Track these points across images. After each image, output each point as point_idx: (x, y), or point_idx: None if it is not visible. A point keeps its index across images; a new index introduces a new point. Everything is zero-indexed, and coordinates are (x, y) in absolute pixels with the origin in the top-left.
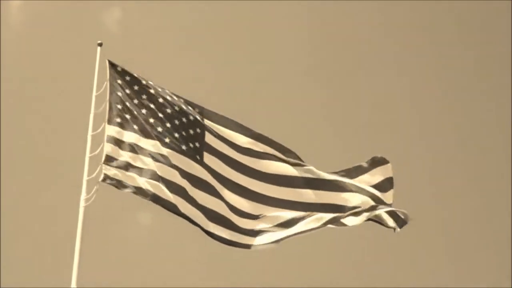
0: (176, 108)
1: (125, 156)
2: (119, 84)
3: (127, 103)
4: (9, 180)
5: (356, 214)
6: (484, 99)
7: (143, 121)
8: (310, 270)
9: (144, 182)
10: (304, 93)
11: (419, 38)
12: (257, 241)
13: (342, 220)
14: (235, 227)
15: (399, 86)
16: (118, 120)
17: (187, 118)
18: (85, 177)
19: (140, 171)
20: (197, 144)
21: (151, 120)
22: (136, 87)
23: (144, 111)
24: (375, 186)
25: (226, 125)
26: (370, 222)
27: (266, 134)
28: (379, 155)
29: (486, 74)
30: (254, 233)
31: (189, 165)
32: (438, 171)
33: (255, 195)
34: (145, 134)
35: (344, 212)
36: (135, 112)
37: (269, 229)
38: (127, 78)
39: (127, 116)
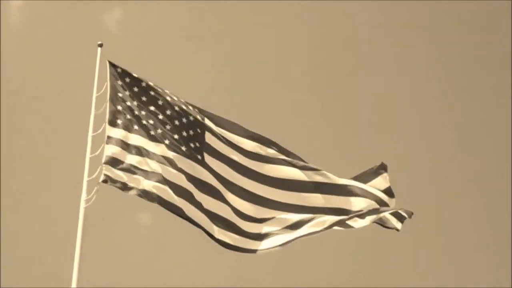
0: (176, 108)
1: (131, 158)
2: (119, 85)
3: (128, 104)
4: (9, 180)
5: (362, 216)
6: (484, 99)
7: (146, 123)
8: (310, 270)
9: (150, 185)
10: (304, 93)
11: (419, 38)
12: (263, 245)
13: (348, 222)
14: (240, 231)
15: (399, 86)
16: (121, 121)
17: (187, 119)
18: (86, 178)
19: (146, 174)
20: (197, 144)
21: (151, 122)
22: (136, 89)
23: (144, 112)
24: (385, 191)
25: (231, 129)
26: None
27: (266, 134)
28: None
29: (486, 74)
30: (260, 237)
31: (194, 168)
32: (438, 171)
33: (260, 199)
34: (151, 137)
35: (349, 215)
36: (136, 113)
37: (276, 232)
38: (127, 79)
39: (130, 118)
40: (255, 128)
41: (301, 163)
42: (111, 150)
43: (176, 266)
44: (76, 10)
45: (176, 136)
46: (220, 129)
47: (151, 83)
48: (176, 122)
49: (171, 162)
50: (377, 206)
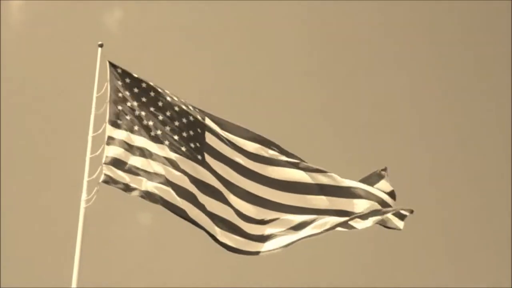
0: (176, 108)
1: (134, 160)
2: (120, 85)
3: (128, 104)
4: (10, 180)
5: (365, 217)
6: (484, 99)
7: (146, 123)
8: (310, 270)
9: (152, 187)
10: (304, 93)
11: (419, 38)
12: (266, 246)
13: (351, 223)
14: (243, 233)
15: (399, 86)
16: (122, 122)
17: (187, 119)
18: (86, 178)
19: (149, 175)
20: (197, 144)
21: (152, 123)
22: (136, 90)
23: (144, 113)
24: (389, 193)
25: (233, 131)
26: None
27: (266, 134)
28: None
29: (486, 74)
30: (263, 239)
31: (196, 169)
32: (438, 171)
33: (263, 201)
34: (152, 138)
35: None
36: (137, 114)
37: (278, 233)
38: (127, 80)
39: (131, 118)
40: (255, 128)
41: (305, 165)
42: (114, 151)
43: (176, 266)
44: (76, 10)
45: (176, 137)
46: (222, 130)
47: (151, 83)
48: (176, 123)
49: (173, 164)
50: (379, 207)
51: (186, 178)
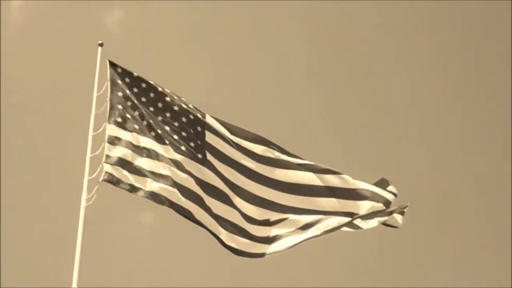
0: (176, 108)
1: (141, 161)
2: (120, 84)
3: (128, 104)
4: (9, 180)
5: (370, 217)
6: (484, 99)
7: (147, 123)
8: (310, 270)
9: (158, 188)
10: (304, 93)
11: (419, 38)
12: (271, 248)
13: (357, 223)
14: (249, 235)
15: (399, 86)
16: (123, 121)
17: (187, 118)
18: (86, 177)
19: (155, 176)
20: (198, 142)
21: (151, 122)
22: (136, 89)
23: (145, 113)
24: (391, 191)
25: (238, 132)
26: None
27: (266, 134)
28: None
29: (486, 74)
30: (269, 240)
31: (200, 170)
32: (438, 171)
33: (268, 203)
34: (155, 138)
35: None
36: (137, 113)
37: (284, 234)
38: (127, 79)
39: (131, 117)
40: (256, 128)
41: (314, 166)
42: (121, 152)
43: (178, 266)
44: (76, 10)
45: (175, 137)
46: (227, 131)
47: (151, 82)
48: (176, 123)
49: (178, 165)
50: (384, 207)
51: (191, 179)
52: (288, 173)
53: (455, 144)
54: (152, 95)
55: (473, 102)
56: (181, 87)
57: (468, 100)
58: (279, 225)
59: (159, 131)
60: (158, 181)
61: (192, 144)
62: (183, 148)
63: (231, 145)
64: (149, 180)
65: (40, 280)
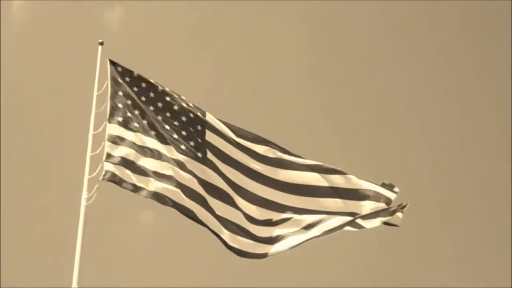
0: (176, 108)
1: (145, 161)
2: (120, 83)
3: (129, 102)
4: (10, 180)
5: (373, 216)
6: (484, 99)
7: (147, 122)
8: (310, 270)
9: (161, 188)
10: (304, 93)
11: (419, 38)
12: (275, 248)
13: (361, 223)
14: (252, 236)
15: (399, 86)
16: (125, 121)
17: (187, 117)
18: (86, 176)
19: (158, 176)
20: (199, 141)
21: (152, 121)
22: (136, 88)
23: (145, 112)
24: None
25: (240, 133)
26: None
27: (266, 134)
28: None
29: (486, 74)
30: (272, 240)
31: (202, 170)
32: (438, 171)
33: (272, 204)
34: (159, 138)
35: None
36: (137, 112)
37: (288, 234)
38: (127, 78)
39: (131, 116)
40: (255, 128)
41: (319, 166)
42: (124, 151)
43: (178, 266)
44: (76, 9)
45: (175, 136)
46: (230, 131)
47: (151, 80)
48: (176, 123)
49: (180, 165)
50: (386, 207)
51: (194, 179)
52: (292, 173)
53: (455, 144)
54: (152, 94)
55: (473, 102)
56: (181, 86)
57: (468, 100)
58: (282, 225)
59: (160, 131)
60: (161, 181)
61: (192, 143)
62: (183, 147)
63: (233, 145)
64: (152, 180)
65: (40, 280)
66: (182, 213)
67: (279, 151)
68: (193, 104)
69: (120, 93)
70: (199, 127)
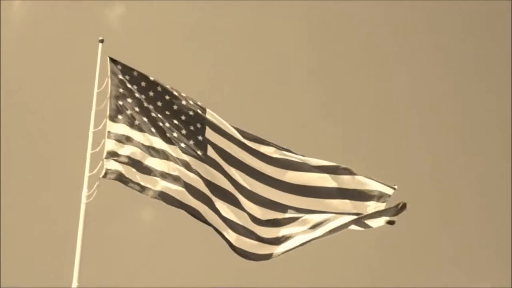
0: (175, 107)
1: (150, 160)
2: (120, 80)
3: (129, 100)
4: (10, 178)
5: (378, 215)
6: (484, 99)
7: (147, 120)
8: (310, 270)
9: (168, 188)
10: (304, 93)
11: (419, 38)
12: (280, 248)
13: (367, 222)
14: (257, 237)
15: (399, 86)
16: (125, 119)
17: (186, 115)
18: (87, 174)
19: (164, 176)
20: (199, 139)
21: (152, 120)
22: (135, 87)
23: (145, 110)
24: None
25: (244, 134)
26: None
27: (266, 134)
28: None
29: (486, 74)
30: (277, 241)
31: (206, 170)
32: (438, 171)
33: (277, 205)
34: (162, 136)
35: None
36: (137, 110)
37: (294, 234)
38: (127, 76)
39: (132, 114)
40: (255, 128)
41: (327, 167)
42: (129, 150)
43: (179, 265)
44: (77, 6)
45: (175, 134)
46: (234, 130)
47: (151, 78)
48: (175, 121)
49: (186, 165)
50: (389, 206)
51: (200, 180)
52: (298, 174)
53: (455, 144)
54: (151, 93)
55: (473, 102)
56: (180, 85)
57: (468, 100)
58: (287, 225)
59: (165, 130)
60: (167, 181)
61: (192, 142)
62: (183, 145)
63: (237, 144)
64: (158, 180)
65: (40, 280)
66: (189, 214)
67: (285, 152)
68: (193, 101)
69: (121, 91)
70: (198, 125)
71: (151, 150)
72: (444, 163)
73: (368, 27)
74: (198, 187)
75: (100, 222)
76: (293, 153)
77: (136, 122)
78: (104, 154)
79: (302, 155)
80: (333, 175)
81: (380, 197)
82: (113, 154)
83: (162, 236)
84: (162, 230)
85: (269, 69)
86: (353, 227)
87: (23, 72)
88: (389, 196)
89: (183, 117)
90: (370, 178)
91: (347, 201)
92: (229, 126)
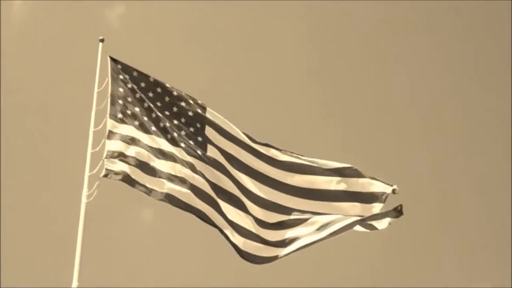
0: (175, 109)
1: (158, 162)
2: (121, 79)
3: (129, 100)
4: (10, 178)
5: (380, 217)
6: (484, 99)
7: (148, 119)
8: (311, 270)
9: (174, 190)
10: (304, 93)
11: (419, 38)
12: (286, 250)
13: (374, 224)
14: (263, 240)
15: (399, 86)
16: (128, 119)
17: (186, 116)
18: (87, 173)
19: (170, 177)
20: (199, 139)
21: (153, 119)
22: (135, 87)
23: (145, 109)
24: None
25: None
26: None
27: (266, 134)
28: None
29: (486, 74)
30: (283, 244)
31: (211, 172)
32: (438, 171)
33: (282, 208)
34: (168, 139)
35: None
36: (137, 109)
37: (301, 236)
38: (127, 76)
39: (134, 114)
40: (255, 128)
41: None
42: (138, 152)
43: (179, 264)
44: (77, 6)
45: (175, 134)
46: (235, 129)
47: (151, 79)
48: (175, 122)
49: (191, 166)
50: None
51: (206, 182)
52: (306, 177)
53: (455, 144)
54: (151, 94)
55: (473, 102)
56: (180, 85)
57: (468, 99)
58: (293, 228)
59: (168, 129)
60: (174, 183)
61: (192, 142)
62: (185, 146)
63: (239, 145)
64: (165, 182)
65: (40, 280)
66: (195, 216)
67: (293, 155)
68: (193, 100)
69: (121, 90)
70: (198, 125)
71: (157, 152)
72: (444, 163)
73: (368, 27)
74: (204, 189)
75: (100, 222)
76: (300, 155)
77: (140, 123)
78: (104, 154)
79: (310, 158)
80: (340, 178)
81: (381, 196)
82: (119, 155)
83: (162, 236)
84: (162, 230)
85: (269, 69)
86: (359, 228)
87: (23, 72)
88: (388, 194)
89: (182, 119)
90: (374, 179)
91: (356, 203)
92: (232, 126)
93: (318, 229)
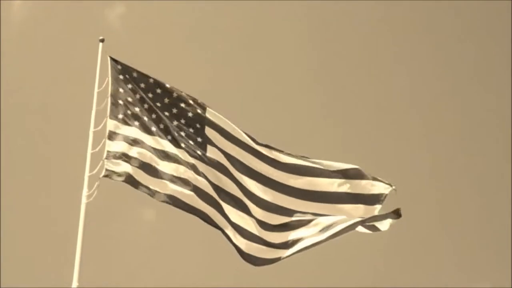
0: (174, 110)
1: (162, 164)
2: (121, 80)
3: (129, 99)
4: (10, 179)
5: (382, 218)
6: (484, 99)
7: (148, 119)
8: (311, 270)
9: (177, 191)
10: (304, 93)
11: (419, 38)
12: (288, 252)
13: (377, 225)
14: (265, 242)
15: (399, 86)
16: (129, 119)
17: (186, 117)
18: (87, 173)
19: (173, 179)
20: (198, 140)
21: (153, 119)
22: (136, 86)
23: (145, 109)
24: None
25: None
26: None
27: (266, 134)
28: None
29: (486, 74)
30: (286, 245)
31: (213, 174)
32: (438, 171)
33: (284, 210)
34: (170, 140)
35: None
36: (137, 109)
37: (303, 237)
38: (127, 76)
39: (135, 114)
40: (255, 128)
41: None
42: (140, 153)
43: (180, 265)
44: (77, 6)
45: (175, 134)
46: (237, 129)
47: (151, 79)
48: (175, 122)
49: (194, 168)
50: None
51: (208, 184)
52: (309, 180)
53: (455, 144)
54: (150, 95)
55: (473, 102)
56: (181, 85)
57: (468, 99)
58: (296, 229)
59: (170, 130)
60: (177, 185)
61: (191, 143)
62: (183, 145)
63: (241, 146)
64: (168, 183)
65: (40, 280)
66: (198, 217)
67: (297, 157)
68: (193, 100)
69: (121, 90)
70: (198, 125)
71: (161, 153)
72: (444, 163)
73: (368, 27)
74: (207, 190)
75: (100, 222)
76: (304, 157)
77: (141, 124)
78: (105, 154)
79: (314, 160)
80: (343, 179)
81: (382, 195)
82: (122, 156)
83: (162, 236)
84: (163, 230)
85: (269, 69)
86: (362, 229)
87: (23, 72)
88: (386, 195)
89: (182, 120)
90: (376, 180)
91: (359, 205)
92: (234, 127)
93: (320, 231)
